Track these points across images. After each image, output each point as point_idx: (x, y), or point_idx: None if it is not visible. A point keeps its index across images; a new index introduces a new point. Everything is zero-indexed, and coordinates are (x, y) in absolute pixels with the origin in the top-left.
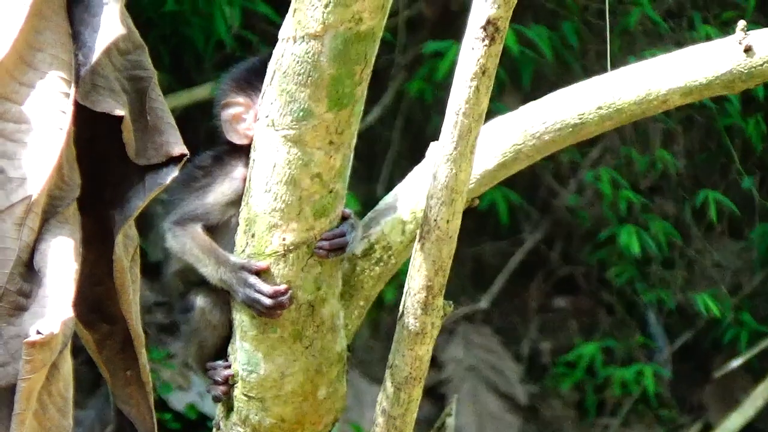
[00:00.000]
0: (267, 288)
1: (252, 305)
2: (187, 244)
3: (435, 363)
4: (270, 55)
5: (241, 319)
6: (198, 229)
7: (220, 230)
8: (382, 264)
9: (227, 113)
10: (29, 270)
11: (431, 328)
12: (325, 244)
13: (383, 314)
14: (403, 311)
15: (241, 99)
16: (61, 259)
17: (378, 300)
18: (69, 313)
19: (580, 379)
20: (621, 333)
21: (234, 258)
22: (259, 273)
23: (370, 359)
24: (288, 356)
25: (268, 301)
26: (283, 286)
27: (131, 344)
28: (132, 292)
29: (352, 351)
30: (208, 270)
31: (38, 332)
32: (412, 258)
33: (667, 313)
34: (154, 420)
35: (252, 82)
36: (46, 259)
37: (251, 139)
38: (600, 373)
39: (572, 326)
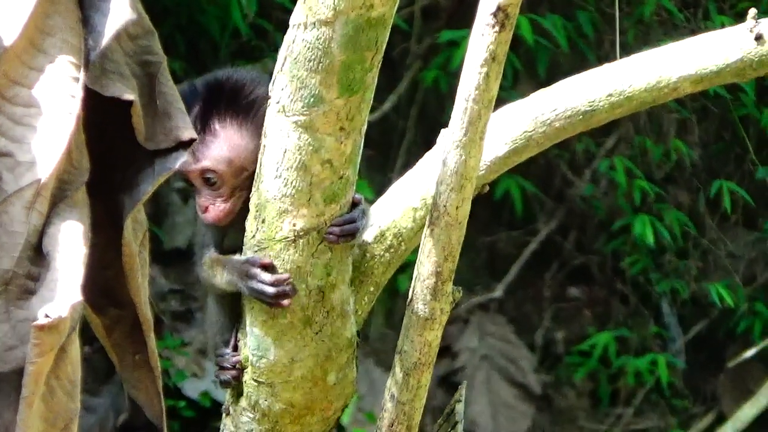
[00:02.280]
0: (268, 277)
1: (258, 297)
2: (202, 270)
3: (449, 352)
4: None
5: (251, 304)
6: (212, 252)
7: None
8: (392, 250)
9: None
10: (38, 254)
11: (440, 314)
12: (336, 229)
13: (397, 303)
14: (412, 297)
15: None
16: (70, 243)
17: (392, 289)
18: (78, 297)
19: (594, 369)
20: (635, 323)
21: (237, 257)
22: (265, 267)
23: (384, 348)
24: (298, 342)
25: (271, 290)
26: (285, 275)
27: (140, 329)
28: (141, 277)
29: (362, 337)
30: (218, 279)
31: (47, 316)
32: (421, 244)
33: (681, 303)
34: (163, 404)
35: None
36: (54, 243)
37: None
38: (614, 363)
39: (586, 316)
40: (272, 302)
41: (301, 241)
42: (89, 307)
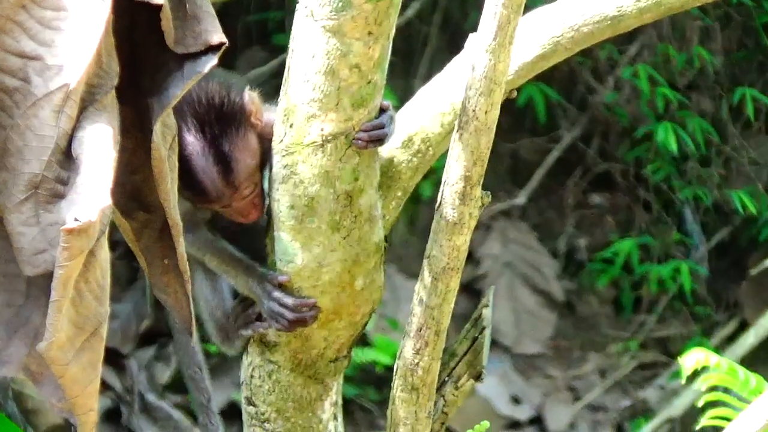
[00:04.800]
0: (290, 301)
1: (275, 319)
2: (206, 255)
3: (472, 259)
4: None
5: (278, 209)
6: (211, 238)
7: None
8: (420, 155)
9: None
10: (67, 158)
11: (469, 219)
12: (364, 135)
13: (421, 210)
14: (441, 202)
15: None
16: (99, 146)
17: (415, 196)
18: (107, 200)
19: (617, 276)
20: (657, 230)
21: (261, 268)
22: (281, 286)
23: (407, 254)
24: (326, 246)
25: (290, 315)
26: (310, 300)
27: (169, 233)
28: (170, 181)
29: (389, 242)
30: (233, 280)
31: (76, 219)
32: (450, 148)
33: (703, 210)
34: (192, 308)
35: None
36: (83, 147)
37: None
38: (636, 270)
39: (609, 223)
40: (288, 328)
41: (329, 145)
42: (118, 211)
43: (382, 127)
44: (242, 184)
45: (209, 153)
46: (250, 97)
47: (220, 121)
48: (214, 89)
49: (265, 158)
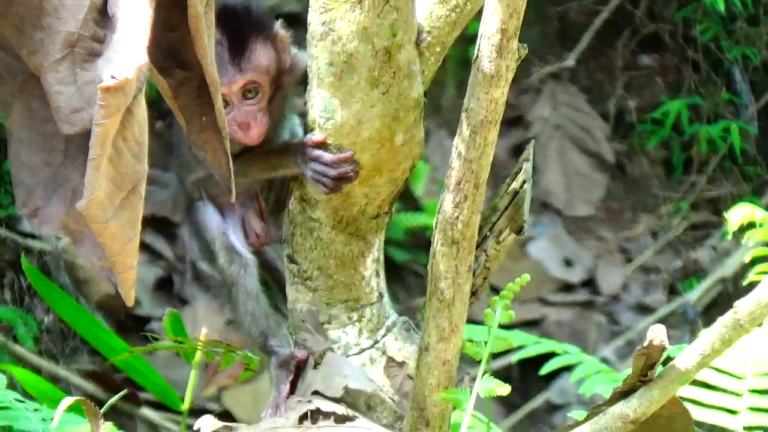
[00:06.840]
0: (329, 158)
1: (320, 180)
2: (249, 170)
3: (522, 122)
4: None
5: (317, 66)
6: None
7: None
8: (458, 10)
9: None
10: (103, 16)
11: (506, 71)
12: None
13: (469, 73)
14: (478, 55)
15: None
16: (135, 4)
17: (463, 59)
18: (143, 58)
19: (667, 137)
20: (707, 90)
21: (294, 141)
22: (319, 145)
23: (456, 118)
24: (365, 103)
25: (332, 172)
26: (347, 153)
27: (207, 90)
28: (207, 37)
29: (434, 107)
30: (281, 164)
31: (113, 77)
32: (486, 1)
33: (752, 69)
34: (231, 165)
35: None
36: (119, 4)
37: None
38: (686, 131)
39: (658, 84)
40: (334, 187)
41: (367, 1)
42: (155, 69)
43: None
44: (247, 71)
45: (225, 36)
46: (282, 28)
47: (245, 23)
48: (250, 3)
49: (278, 86)
